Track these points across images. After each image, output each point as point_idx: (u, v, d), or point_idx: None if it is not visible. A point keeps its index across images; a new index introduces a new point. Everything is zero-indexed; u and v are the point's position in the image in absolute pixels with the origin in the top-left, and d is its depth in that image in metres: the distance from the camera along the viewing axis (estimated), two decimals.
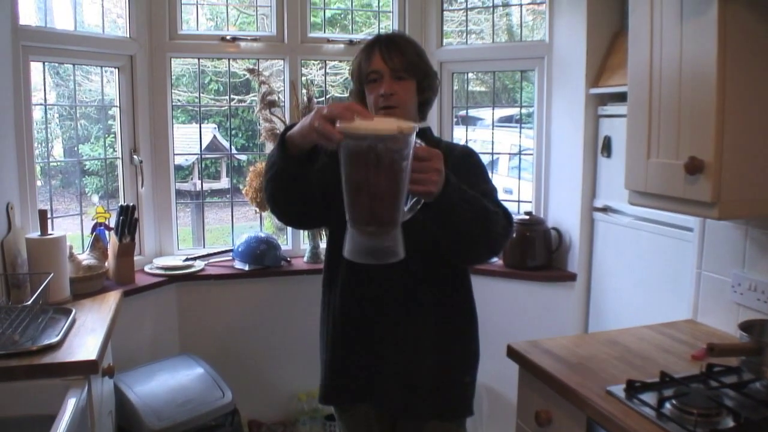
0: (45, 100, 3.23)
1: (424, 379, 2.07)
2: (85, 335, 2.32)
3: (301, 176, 1.87)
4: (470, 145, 4.08)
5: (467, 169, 1.99)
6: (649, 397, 1.74)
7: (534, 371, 2.07)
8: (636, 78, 2.07)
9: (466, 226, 1.77)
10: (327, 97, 3.89)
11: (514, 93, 3.87)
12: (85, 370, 2.11)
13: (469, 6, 3.72)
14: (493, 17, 3.66)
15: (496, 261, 3.48)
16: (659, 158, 1.98)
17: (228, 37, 3.44)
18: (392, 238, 1.54)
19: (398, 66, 1.97)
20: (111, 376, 2.56)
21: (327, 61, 3.80)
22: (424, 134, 2.02)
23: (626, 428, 1.64)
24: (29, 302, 2.35)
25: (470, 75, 4.13)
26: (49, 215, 2.87)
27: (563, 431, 1.97)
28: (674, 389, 1.76)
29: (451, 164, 1.80)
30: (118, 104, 3.31)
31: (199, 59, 3.68)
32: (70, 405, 1.89)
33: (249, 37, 3.51)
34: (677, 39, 1.89)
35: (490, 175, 2.14)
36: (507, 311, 3.35)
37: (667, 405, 1.69)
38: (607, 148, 2.99)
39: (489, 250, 1.94)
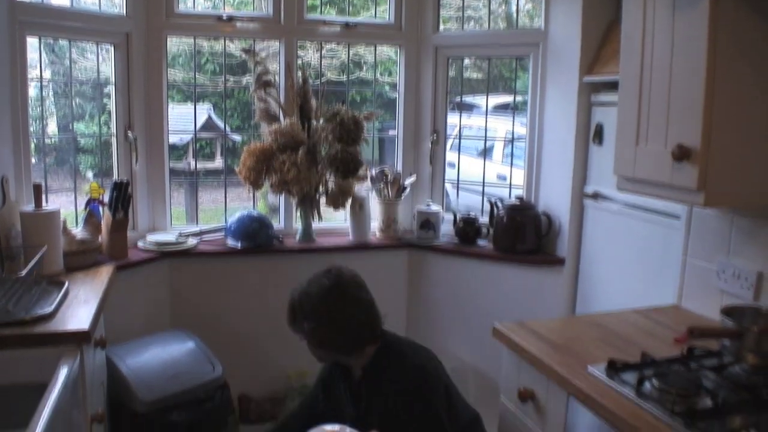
0: (41, 76, 3.23)
1: None
2: (78, 307, 2.35)
3: None
4: (465, 132, 4.12)
5: (417, 403, 2.12)
6: (630, 377, 1.78)
7: (518, 351, 2.12)
8: (628, 66, 2.10)
9: None
10: (323, 79, 3.90)
11: (511, 81, 3.89)
12: (78, 340, 2.14)
13: None
14: (489, 3, 3.68)
15: (486, 244, 3.52)
16: (648, 145, 2.02)
17: (224, 17, 3.44)
18: None
19: (288, 323, 2.31)
20: (103, 347, 2.60)
21: (324, 44, 3.81)
22: (371, 368, 2.25)
23: (606, 406, 1.68)
24: (23, 273, 2.38)
25: (467, 62, 4.14)
26: (43, 190, 2.89)
27: (545, 409, 2.02)
28: (654, 370, 1.80)
29: (401, 397, 2.12)
30: (113, 81, 3.32)
31: (195, 39, 3.69)
32: (63, 374, 1.92)
33: (245, 18, 3.52)
34: (669, 29, 1.92)
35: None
36: (496, 294, 3.39)
37: (647, 385, 1.73)
38: (599, 135, 3.02)
39: None
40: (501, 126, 4.06)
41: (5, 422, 1.90)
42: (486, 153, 4.04)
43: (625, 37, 2.13)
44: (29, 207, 2.77)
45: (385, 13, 3.73)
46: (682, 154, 1.85)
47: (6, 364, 2.08)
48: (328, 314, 2.20)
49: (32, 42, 3.01)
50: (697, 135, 1.82)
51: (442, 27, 3.71)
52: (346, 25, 3.60)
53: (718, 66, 1.79)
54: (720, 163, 1.83)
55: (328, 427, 1.77)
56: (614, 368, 1.83)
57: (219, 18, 3.45)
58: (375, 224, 3.71)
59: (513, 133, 3.80)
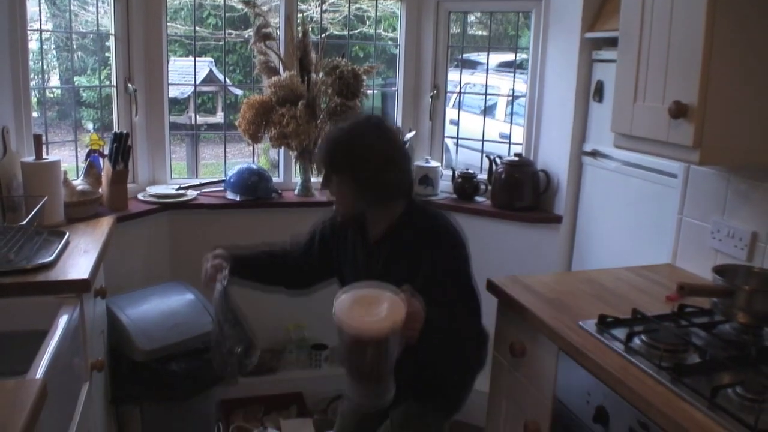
0: (40, 29, 3.22)
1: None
2: (78, 256, 2.37)
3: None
4: (468, 89, 4.10)
5: (447, 267, 2.06)
6: (620, 332, 1.80)
7: (510, 304, 2.15)
8: (627, 22, 2.09)
9: (438, 359, 2.02)
10: (325, 34, 3.87)
11: (516, 38, 3.85)
12: (78, 288, 2.17)
13: None
14: None
15: (484, 200, 3.53)
16: (645, 102, 2.01)
17: None
18: (387, 387, 1.81)
19: (323, 166, 2.14)
20: (103, 297, 2.63)
21: None
22: (403, 221, 2.13)
23: (595, 360, 1.71)
24: (24, 223, 2.40)
25: (472, 18, 4.10)
26: (44, 141, 2.90)
27: (536, 362, 2.05)
28: (644, 326, 1.83)
29: (430, 257, 2.03)
30: (113, 33, 3.30)
31: None
32: (63, 321, 1.96)
33: None
34: None
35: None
36: (493, 250, 3.40)
37: (636, 340, 1.75)
38: (599, 92, 3.01)
39: (459, 373, 2.21)
40: (504, 84, 4.03)
41: (6, 368, 1.94)
42: (488, 111, 4.03)
43: None
44: (30, 158, 2.78)
45: None
46: (678, 111, 1.84)
47: (7, 311, 2.11)
48: (384, 158, 2.06)
49: None
50: (694, 92, 1.81)
51: None
52: None
53: (717, 22, 1.78)
54: (716, 121, 1.82)
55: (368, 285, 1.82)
56: (604, 323, 1.86)
57: None
58: None
59: (513, 90, 3.78)
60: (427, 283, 1.95)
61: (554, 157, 3.31)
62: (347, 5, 3.85)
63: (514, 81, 3.73)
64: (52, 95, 4.27)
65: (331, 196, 2.15)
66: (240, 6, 3.56)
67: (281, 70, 3.45)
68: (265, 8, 3.60)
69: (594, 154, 3.08)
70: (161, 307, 2.91)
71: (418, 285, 1.87)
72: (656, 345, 1.70)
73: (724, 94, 1.82)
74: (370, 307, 1.70)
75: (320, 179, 2.19)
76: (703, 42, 1.79)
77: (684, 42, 1.86)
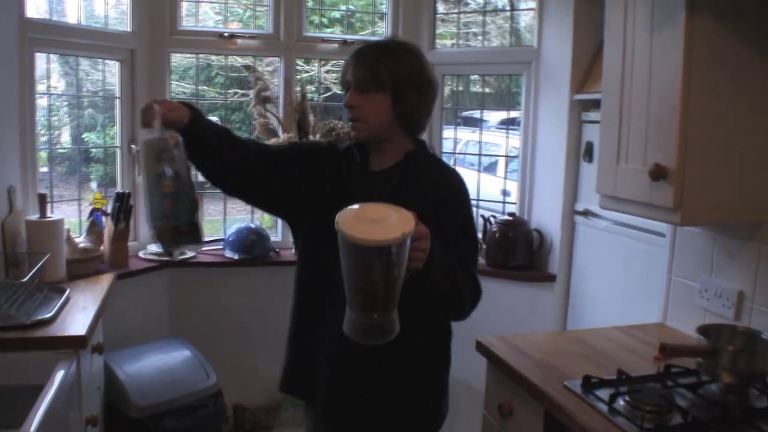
0: (49, 88, 3.33)
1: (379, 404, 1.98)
2: (77, 313, 2.42)
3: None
4: (471, 147, 4.16)
5: (453, 208, 1.95)
6: (604, 393, 1.79)
7: (498, 364, 2.15)
8: (609, 86, 2.14)
9: (436, 294, 1.81)
10: (327, 94, 3.97)
11: (514, 96, 3.94)
12: (75, 344, 2.22)
13: (462, 10, 3.80)
14: (484, 21, 3.74)
15: (479, 260, 3.55)
16: (628, 164, 2.05)
17: (226, 34, 3.53)
18: (391, 318, 1.59)
19: (362, 76, 1.89)
20: (101, 353, 2.66)
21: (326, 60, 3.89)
22: (417, 153, 1.98)
23: (579, 421, 1.71)
24: (26, 279, 2.46)
25: (474, 76, 4.20)
26: (49, 200, 2.97)
27: (524, 423, 2.04)
28: (629, 386, 1.82)
29: (439, 193, 1.92)
30: (119, 95, 3.40)
31: (197, 55, 3.77)
32: (59, 376, 1.99)
33: (246, 35, 3.60)
34: (647, 49, 1.96)
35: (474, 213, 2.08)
36: (487, 309, 3.31)
37: (620, 401, 1.74)
38: (589, 153, 3.07)
39: (451, 317, 2.09)
40: (504, 141, 4.11)
41: (3, 422, 1.97)
42: (490, 168, 4.08)
43: (606, 56, 2.17)
44: (34, 216, 2.85)
45: (382, 31, 3.80)
46: (658, 174, 1.88)
47: (7, 366, 2.15)
48: (430, 83, 1.95)
49: (42, 55, 3.11)
50: (673, 154, 1.86)
51: (442, 43, 3.77)
52: (344, 42, 3.67)
53: (694, 84, 1.83)
54: (696, 182, 1.87)
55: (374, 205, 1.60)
56: (589, 384, 1.86)
57: (221, 35, 3.53)
58: None
59: (507, 149, 3.85)
60: (437, 219, 1.74)
61: (547, 216, 3.35)
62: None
63: (507, 139, 3.79)
64: (63, 151, 4.35)
65: (356, 109, 1.91)
66: (241, 68, 3.67)
67: (280, 132, 3.53)
68: (270, 68, 3.71)
69: (586, 213, 3.12)
70: (158, 364, 2.94)
71: (426, 220, 1.67)
72: (639, 406, 1.69)
73: (702, 156, 1.87)
74: (378, 222, 1.52)
75: (347, 92, 1.93)
76: (680, 106, 1.84)
77: (662, 106, 1.91)
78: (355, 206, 1.58)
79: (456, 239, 1.90)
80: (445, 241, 1.75)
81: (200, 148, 1.90)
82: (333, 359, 1.96)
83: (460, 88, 3.83)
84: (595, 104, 3.00)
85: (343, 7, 4.39)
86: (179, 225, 1.82)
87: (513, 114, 3.85)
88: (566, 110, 3.14)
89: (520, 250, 3.39)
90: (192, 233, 1.85)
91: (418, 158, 1.98)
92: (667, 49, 1.89)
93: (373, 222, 1.50)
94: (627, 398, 1.75)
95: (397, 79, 1.88)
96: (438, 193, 1.94)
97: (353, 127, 1.95)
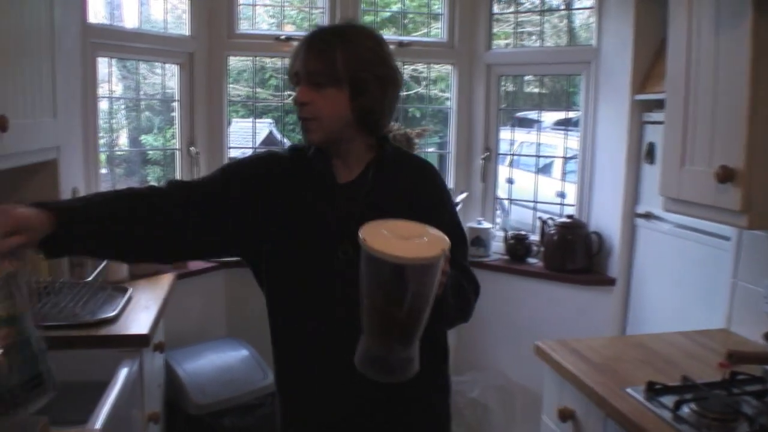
0: (110, 92, 3.41)
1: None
2: (139, 312, 2.47)
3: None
4: (525, 149, 4.13)
5: (441, 204, 1.74)
6: (668, 400, 1.77)
7: (558, 369, 2.13)
8: (673, 86, 2.11)
9: (449, 312, 1.56)
10: None
11: (570, 96, 3.89)
12: (138, 343, 2.27)
13: (519, 9, 3.77)
14: (541, 20, 3.71)
15: (536, 262, 3.52)
16: (693, 166, 2.02)
17: (282, 37, 3.56)
18: (413, 353, 1.38)
19: (315, 68, 1.57)
20: (162, 351, 2.71)
21: None
22: (385, 154, 1.69)
23: (642, 428, 1.68)
24: (90, 279, 2.52)
25: (529, 77, 4.17)
26: None
27: (583, 428, 2.02)
28: (694, 394, 1.78)
29: (422, 192, 1.69)
30: (178, 98, 3.47)
31: (254, 58, 3.82)
32: (123, 374, 2.04)
33: (302, 38, 3.61)
34: (713, 49, 1.93)
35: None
36: (544, 313, 3.38)
37: (685, 408, 1.71)
38: (650, 154, 3.01)
39: (457, 324, 1.77)
40: (561, 142, 4.06)
41: (68, 418, 2.01)
42: (545, 169, 4.04)
43: (670, 56, 2.14)
44: None
45: (438, 32, 3.79)
46: (725, 176, 1.84)
47: (71, 363, 2.19)
48: (394, 75, 1.66)
49: (103, 59, 3.19)
50: (740, 156, 1.82)
51: (498, 44, 3.74)
52: (400, 44, 3.67)
53: (761, 84, 1.79)
54: (764, 184, 1.82)
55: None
56: (653, 390, 1.83)
57: (277, 38, 3.56)
58: None
59: (565, 150, 3.81)
60: (428, 220, 1.51)
61: (607, 218, 3.30)
62: (403, 67, 3.95)
63: (566, 140, 3.76)
64: (121, 153, 4.45)
65: (309, 107, 1.59)
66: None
67: None
68: None
69: (647, 215, 3.06)
70: (217, 363, 2.98)
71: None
72: (705, 414, 1.67)
73: None
74: (410, 239, 1.32)
75: (295, 86, 1.63)
76: (748, 106, 1.80)
77: (728, 106, 1.87)
78: (381, 220, 1.37)
79: (455, 243, 1.59)
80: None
81: (84, 245, 1.52)
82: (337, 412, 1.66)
83: (514, 89, 3.79)
84: (657, 104, 2.94)
85: (395, 8, 4.40)
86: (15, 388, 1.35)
87: (570, 114, 3.80)
88: (627, 111, 3.08)
89: (579, 253, 3.34)
90: (36, 389, 1.39)
91: (387, 160, 1.69)
92: (733, 48, 1.85)
93: (405, 239, 1.31)
94: (692, 406, 1.72)
95: (357, 71, 1.57)
96: (421, 192, 1.71)
97: (304, 127, 1.62)
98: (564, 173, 3.89)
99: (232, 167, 1.75)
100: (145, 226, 1.55)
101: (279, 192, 1.65)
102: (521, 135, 4.08)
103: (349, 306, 1.41)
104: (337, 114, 1.59)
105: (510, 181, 3.98)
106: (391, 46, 3.65)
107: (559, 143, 4.11)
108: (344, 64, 1.56)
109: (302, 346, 1.69)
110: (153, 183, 4.67)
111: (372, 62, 1.60)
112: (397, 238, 1.30)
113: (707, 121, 1.95)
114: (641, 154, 3.09)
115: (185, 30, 3.47)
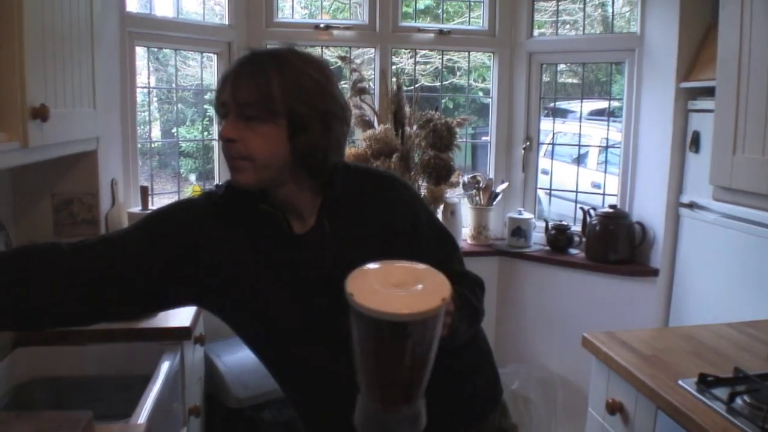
0: (148, 83, 3.42)
1: None
2: None
3: None
4: (559, 139, 4.08)
5: (415, 216, 1.55)
6: (721, 392, 1.74)
7: (607, 361, 2.09)
8: (725, 73, 2.05)
9: (462, 335, 1.43)
10: (417, 85, 3.94)
11: (607, 86, 3.83)
12: (179, 336, 2.27)
13: None
14: (584, 8, 3.64)
15: (578, 253, 3.47)
16: (745, 154, 1.96)
17: (321, 26, 3.54)
18: (419, 408, 1.21)
19: (248, 100, 1.34)
20: (202, 344, 2.71)
21: (417, 51, 3.87)
22: (335, 184, 1.48)
23: (696, 420, 1.65)
24: None
25: (562, 67, 4.11)
26: (149, 192, 3.04)
27: (633, 421, 1.99)
28: (747, 385, 1.76)
29: (393, 211, 1.51)
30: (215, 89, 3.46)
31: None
32: (164, 367, 2.04)
33: (341, 26, 3.59)
34: (766, 34, 1.87)
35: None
36: (587, 304, 3.34)
37: (738, 400, 1.69)
38: (695, 143, 2.95)
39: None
40: (596, 132, 4.00)
41: (111, 411, 2.02)
42: (580, 159, 3.99)
43: (721, 41, 2.08)
44: (137, 208, 2.92)
45: (479, 20, 3.75)
46: None
47: (112, 356, 2.22)
48: (336, 101, 1.42)
49: (139, 51, 3.19)
50: None
51: (536, 32, 3.69)
52: (440, 32, 3.64)
53: None
54: None
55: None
56: (705, 382, 1.79)
57: (316, 26, 3.54)
58: (466, 231, 3.73)
59: (604, 140, 3.76)
60: (408, 239, 1.43)
61: (650, 208, 3.25)
62: (440, 57, 3.92)
63: (608, 130, 3.70)
64: (154, 145, 4.49)
65: (238, 145, 1.35)
66: (335, 59, 3.67)
67: (375, 124, 3.52)
68: (358, 61, 3.70)
69: (691, 205, 3.00)
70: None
71: (398, 248, 1.38)
72: (760, 406, 1.63)
73: None
74: (404, 287, 1.14)
75: (222, 119, 1.39)
76: None
77: None
78: (368, 267, 1.18)
79: (439, 247, 1.55)
80: (435, 258, 1.30)
81: None
82: None
83: (548, 79, 3.73)
84: (703, 92, 2.89)
85: None
86: None
87: (605, 104, 3.74)
88: (672, 99, 3.03)
89: (621, 244, 3.29)
90: None
91: (339, 200, 1.48)
92: None
93: (398, 287, 1.13)
94: (746, 398, 1.69)
95: (296, 104, 1.35)
96: (388, 215, 1.51)
97: (232, 166, 1.38)
98: (599, 163, 3.84)
99: (155, 222, 1.48)
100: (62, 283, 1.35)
101: (220, 243, 1.44)
102: (556, 125, 4.03)
103: (336, 362, 1.30)
104: (272, 154, 1.36)
105: (545, 172, 3.93)
106: (431, 35, 3.64)
107: (594, 133, 4.05)
108: (281, 95, 1.34)
109: (299, 403, 1.61)
110: (193, 174, 4.68)
111: (315, 93, 1.37)
112: (390, 289, 1.12)
113: (761, 108, 1.89)
114: (686, 143, 3.02)
115: (219, 20, 3.46)
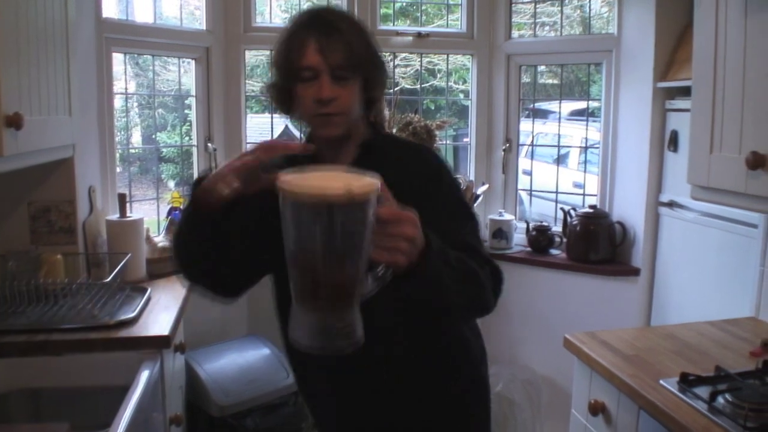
0: (126, 89, 3.39)
1: None
2: (159, 312, 2.45)
3: (210, 237, 1.47)
4: (540, 139, 4.08)
5: (440, 185, 1.60)
6: (702, 391, 1.75)
7: (589, 362, 2.10)
8: (700, 72, 2.06)
9: (452, 300, 1.39)
10: (396, 88, 3.93)
11: (586, 86, 3.85)
12: (159, 344, 2.24)
13: None
14: (561, 9, 3.66)
15: (559, 253, 3.48)
16: (722, 152, 1.97)
17: None
18: (347, 319, 1.18)
19: (340, 62, 1.47)
20: (182, 352, 2.69)
21: (397, 53, 3.86)
22: (375, 139, 1.63)
23: (678, 420, 1.66)
24: (108, 280, 2.49)
25: (542, 68, 4.11)
26: (128, 199, 3.02)
27: (616, 421, 2.00)
28: (728, 384, 1.77)
29: (418, 174, 1.56)
30: (194, 94, 3.44)
31: (271, 51, 3.79)
32: (144, 376, 2.01)
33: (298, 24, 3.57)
34: (741, 34, 1.87)
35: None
36: (568, 304, 3.35)
37: (720, 399, 1.70)
38: (674, 142, 2.96)
39: (475, 317, 1.71)
40: (576, 132, 4.01)
41: (89, 422, 2.00)
42: (561, 160, 4.00)
43: (697, 41, 2.08)
44: (114, 216, 2.90)
45: (457, 22, 3.75)
46: (756, 162, 1.78)
47: (91, 366, 2.19)
48: (381, 53, 1.62)
49: (117, 56, 3.16)
50: None
51: (515, 34, 3.70)
52: (419, 35, 3.63)
53: None
54: None
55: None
56: (687, 381, 1.80)
57: None
58: None
59: (583, 140, 3.76)
60: (426, 204, 1.30)
61: (630, 208, 3.26)
62: (419, 59, 3.92)
63: (587, 130, 3.71)
64: (134, 151, 4.46)
65: (336, 103, 1.49)
66: None
67: None
68: None
69: (671, 204, 3.02)
70: (238, 362, 2.96)
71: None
72: (741, 404, 1.64)
73: None
74: (325, 180, 1.14)
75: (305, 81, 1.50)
76: None
77: (758, 91, 1.82)
78: (300, 171, 1.16)
79: (456, 220, 1.55)
80: (445, 226, 1.37)
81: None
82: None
83: (528, 80, 3.74)
84: (681, 92, 2.91)
85: None
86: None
87: (584, 105, 3.75)
88: (649, 99, 3.04)
89: (602, 244, 3.29)
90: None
91: (378, 144, 1.62)
92: (763, 32, 1.80)
93: (320, 179, 1.13)
94: (727, 396, 1.70)
95: (369, 60, 1.54)
96: (416, 173, 1.56)
97: (326, 122, 1.52)
98: (580, 163, 3.85)
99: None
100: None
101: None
102: (536, 126, 4.04)
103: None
104: (356, 106, 1.55)
105: (526, 173, 3.93)
106: (410, 38, 3.63)
107: (574, 133, 4.06)
108: (364, 54, 1.52)
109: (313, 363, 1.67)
110: (172, 180, 4.64)
111: (375, 49, 1.58)
112: (313, 179, 1.12)
113: (736, 107, 1.90)
114: (664, 142, 3.04)
115: (198, 25, 3.44)
